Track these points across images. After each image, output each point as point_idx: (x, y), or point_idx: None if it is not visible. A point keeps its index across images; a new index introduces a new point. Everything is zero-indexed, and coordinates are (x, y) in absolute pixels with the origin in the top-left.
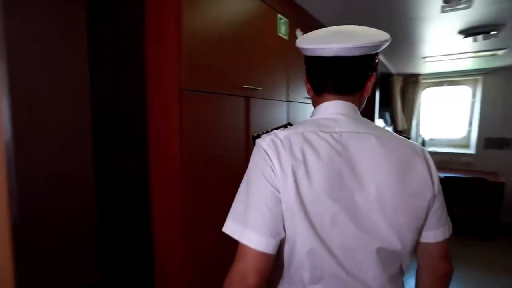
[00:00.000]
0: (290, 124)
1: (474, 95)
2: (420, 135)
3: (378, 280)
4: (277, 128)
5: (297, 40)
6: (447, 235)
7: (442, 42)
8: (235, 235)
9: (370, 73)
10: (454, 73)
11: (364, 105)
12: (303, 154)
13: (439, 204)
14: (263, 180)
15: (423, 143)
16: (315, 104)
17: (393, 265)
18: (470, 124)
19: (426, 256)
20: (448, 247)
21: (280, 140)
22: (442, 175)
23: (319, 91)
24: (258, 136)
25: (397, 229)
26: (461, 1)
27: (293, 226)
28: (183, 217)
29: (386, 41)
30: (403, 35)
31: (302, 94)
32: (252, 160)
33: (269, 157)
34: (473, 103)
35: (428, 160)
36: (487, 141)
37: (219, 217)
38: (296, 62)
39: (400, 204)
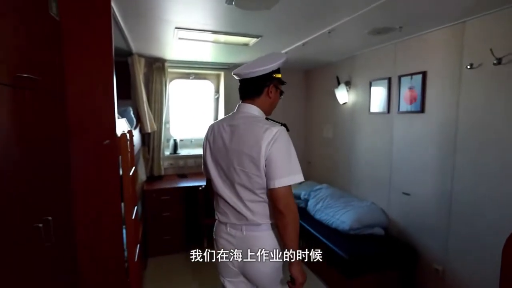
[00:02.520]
0: (285, 124)
1: (217, 91)
2: (172, 136)
3: None
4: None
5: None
6: (276, 185)
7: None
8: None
9: (265, 85)
10: (199, 64)
11: (270, 105)
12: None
13: (270, 164)
14: None
15: (176, 146)
16: None
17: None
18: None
19: (269, 197)
20: (282, 194)
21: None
22: (197, 183)
23: (240, 98)
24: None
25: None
26: None
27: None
28: None
29: (264, 69)
30: None
31: None
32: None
33: None
34: (217, 100)
35: (263, 138)
36: None
37: None
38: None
39: (243, 159)
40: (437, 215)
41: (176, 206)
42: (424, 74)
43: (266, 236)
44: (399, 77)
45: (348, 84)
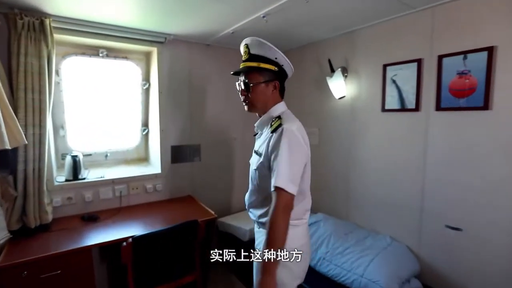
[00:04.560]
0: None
1: (147, 79)
2: (71, 150)
3: None
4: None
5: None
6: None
7: None
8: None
9: None
10: (116, 32)
11: None
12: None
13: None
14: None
15: (76, 166)
16: (276, 102)
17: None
18: (146, 124)
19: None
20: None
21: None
22: (120, 234)
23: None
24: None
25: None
26: None
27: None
28: None
29: None
30: None
31: None
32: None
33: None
34: (146, 91)
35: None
36: (175, 152)
37: None
38: None
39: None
40: None
41: (77, 285)
42: (490, 50)
43: None
44: (440, 58)
45: (344, 71)
